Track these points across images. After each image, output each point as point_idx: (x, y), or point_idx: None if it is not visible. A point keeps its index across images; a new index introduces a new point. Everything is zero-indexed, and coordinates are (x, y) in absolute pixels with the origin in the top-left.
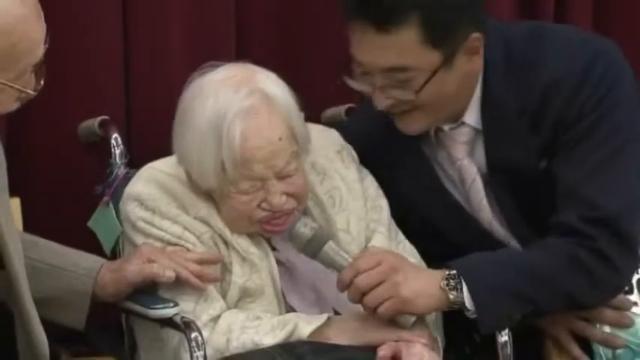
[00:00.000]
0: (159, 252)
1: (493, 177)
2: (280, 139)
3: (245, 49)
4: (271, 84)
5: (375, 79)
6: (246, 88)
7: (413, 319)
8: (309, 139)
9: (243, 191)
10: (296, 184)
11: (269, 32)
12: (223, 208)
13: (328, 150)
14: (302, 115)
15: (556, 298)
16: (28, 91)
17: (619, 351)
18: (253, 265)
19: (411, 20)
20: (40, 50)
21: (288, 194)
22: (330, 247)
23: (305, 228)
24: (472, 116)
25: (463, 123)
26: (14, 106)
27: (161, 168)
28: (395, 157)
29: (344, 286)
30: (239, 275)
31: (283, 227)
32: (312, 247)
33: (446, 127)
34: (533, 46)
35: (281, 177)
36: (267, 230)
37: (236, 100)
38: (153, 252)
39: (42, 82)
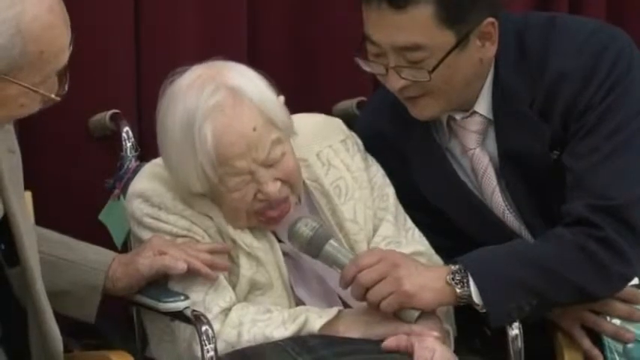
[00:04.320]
0: (169, 244)
1: (505, 167)
2: (255, 129)
3: (257, 43)
4: (237, 76)
5: (389, 59)
6: (210, 87)
7: (417, 313)
8: (290, 122)
9: (234, 188)
10: (285, 168)
11: (280, 26)
12: (222, 208)
13: (333, 140)
14: (281, 99)
15: (564, 289)
16: (52, 96)
17: (629, 345)
18: (259, 259)
19: None
20: (65, 56)
21: (280, 180)
22: (331, 245)
23: (305, 228)
24: (484, 105)
25: (475, 112)
26: (37, 108)
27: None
28: (408, 148)
29: (347, 282)
30: (246, 268)
31: (280, 216)
32: (313, 247)
33: (458, 117)
34: (545, 37)
35: (268, 165)
36: (264, 221)
37: (201, 101)
38: (163, 244)
39: (66, 87)
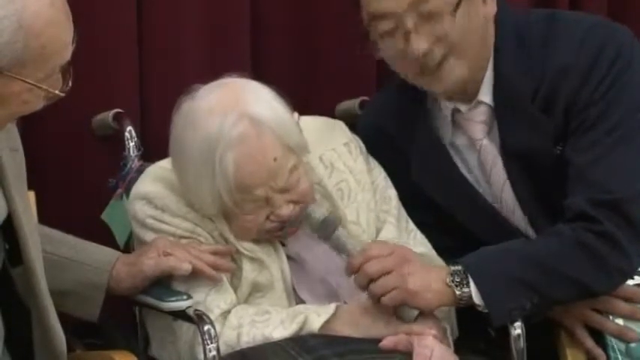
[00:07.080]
0: (173, 245)
1: (508, 163)
2: (275, 160)
3: (260, 43)
4: (259, 104)
5: (406, 22)
6: (234, 115)
7: (416, 313)
8: (305, 142)
9: (248, 212)
10: (300, 191)
11: (283, 26)
12: (231, 225)
13: (335, 143)
14: (295, 117)
15: (563, 285)
16: (56, 92)
17: (632, 344)
18: (262, 263)
19: None
20: (68, 52)
21: (294, 202)
22: (342, 231)
23: (320, 209)
24: (487, 95)
25: (479, 102)
26: (41, 105)
27: (168, 166)
28: (410, 147)
29: (353, 269)
30: (249, 271)
31: (290, 234)
32: (326, 228)
33: (463, 108)
34: (545, 31)
35: (284, 191)
36: (275, 237)
37: (225, 130)
38: (168, 245)
39: (70, 83)
